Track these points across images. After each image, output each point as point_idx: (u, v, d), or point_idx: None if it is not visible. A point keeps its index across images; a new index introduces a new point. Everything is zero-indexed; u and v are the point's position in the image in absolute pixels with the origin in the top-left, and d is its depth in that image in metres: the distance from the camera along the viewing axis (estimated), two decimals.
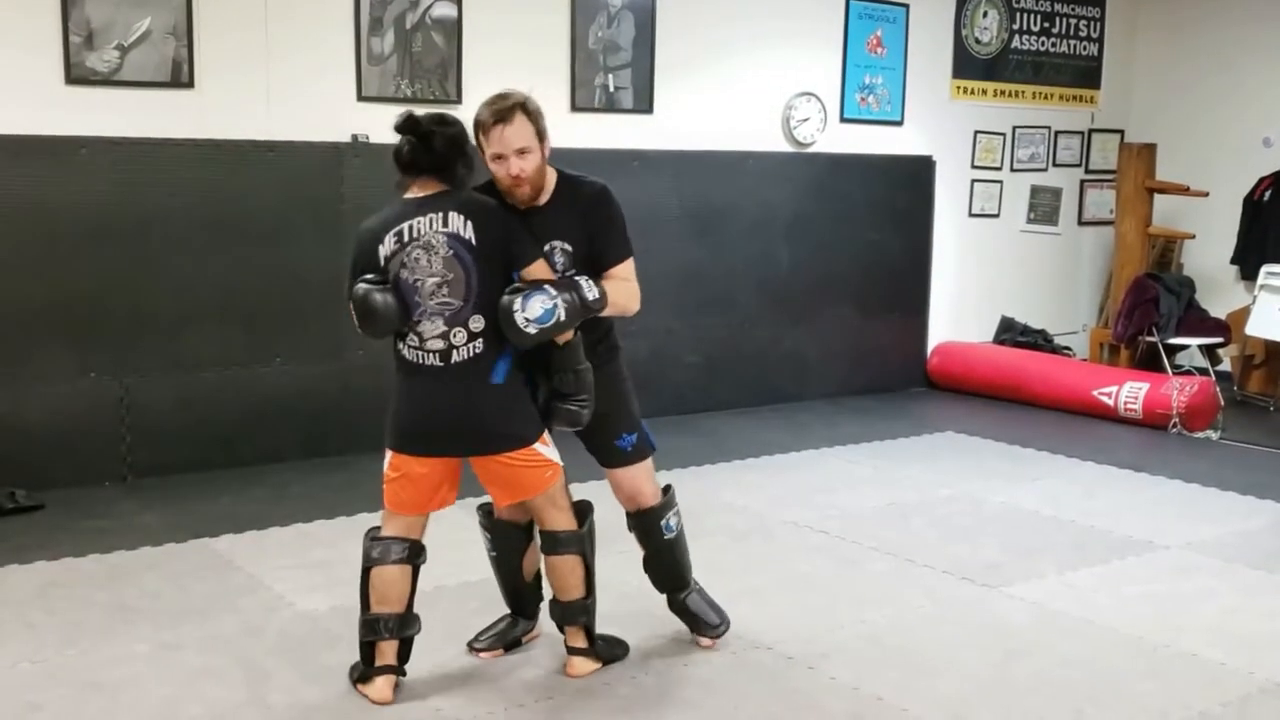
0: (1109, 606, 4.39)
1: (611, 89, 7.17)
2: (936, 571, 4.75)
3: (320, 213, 6.22)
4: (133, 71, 5.74)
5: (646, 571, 3.95)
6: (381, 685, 3.53)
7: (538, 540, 3.72)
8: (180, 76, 5.85)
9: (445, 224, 3.38)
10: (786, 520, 5.41)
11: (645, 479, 3.79)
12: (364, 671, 3.56)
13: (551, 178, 3.55)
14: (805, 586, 4.58)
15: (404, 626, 3.57)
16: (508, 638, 3.91)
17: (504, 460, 3.48)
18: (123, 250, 5.76)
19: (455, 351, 3.40)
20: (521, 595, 3.91)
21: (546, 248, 3.50)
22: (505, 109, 3.40)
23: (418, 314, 3.39)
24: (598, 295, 3.44)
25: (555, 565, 3.64)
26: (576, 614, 3.68)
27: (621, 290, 3.55)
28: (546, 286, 3.37)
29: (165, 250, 5.87)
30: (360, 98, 6.34)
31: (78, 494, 5.57)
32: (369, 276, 3.42)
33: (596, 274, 3.53)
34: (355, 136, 6.31)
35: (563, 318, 3.35)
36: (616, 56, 7.17)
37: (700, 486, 5.92)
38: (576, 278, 3.46)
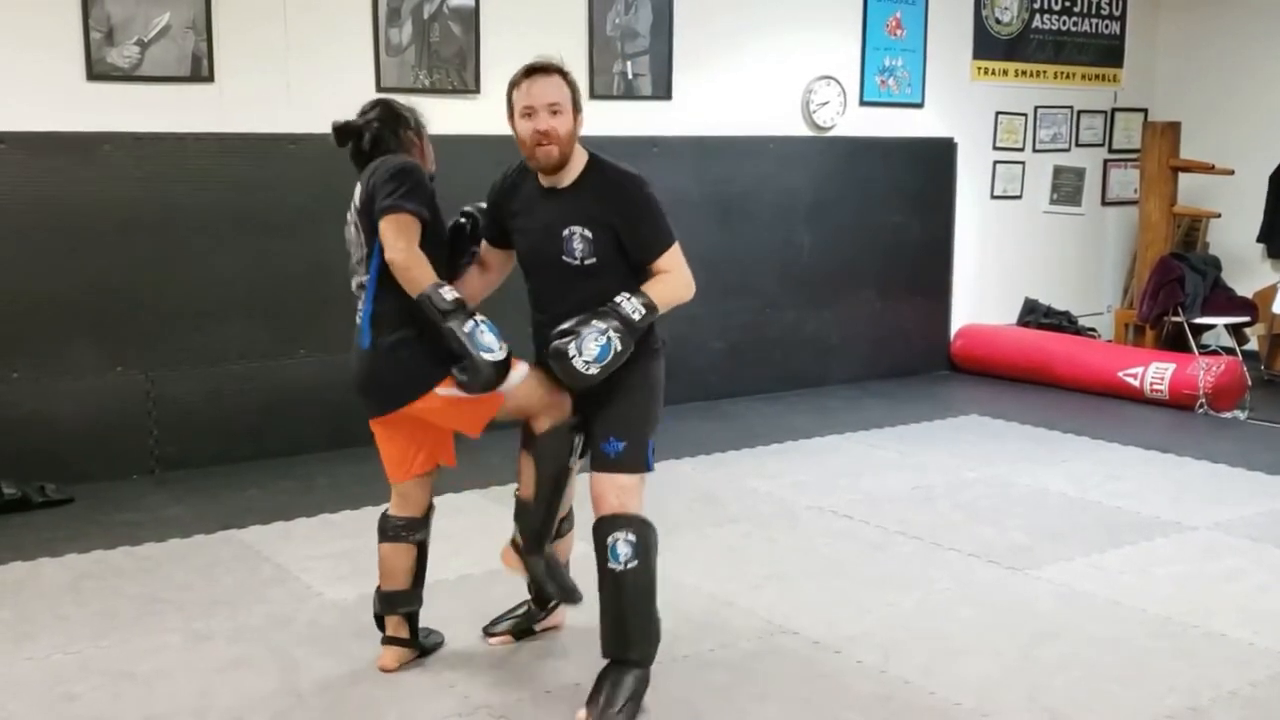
0: (1137, 588, 4.38)
1: (630, 76, 7.16)
2: (963, 554, 4.74)
3: (342, 204, 6.14)
4: (153, 67, 5.77)
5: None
6: (386, 654, 3.66)
7: (569, 535, 3.75)
8: (200, 71, 5.88)
9: (355, 196, 3.49)
10: (812, 505, 5.41)
11: (614, 491, 3.34)
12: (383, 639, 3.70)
13: (580, 160, 3.37)
14: (831, 571, 4.58)
15: (402, 602, 3.65)
16: (520, 627, 3.88)
17: (421, 412, 3.41)
18: (147, 245, 5.80)
19: (358, 314, 3.48)
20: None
21: (565, 232, 3.32)
22: (541, 65, 3.32)
23: (355, 285, 3.51)
24: (643, 312, 3.27)
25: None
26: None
27: (669, 286, 3.37)
28: (594, 321, 3.20)
29: (189, 244, 5.91)
30: (379, 89, 6.34)
31: (107, 487, 5.63)
32: None
33: (639, 267, 3.36)
34: None
35: (619, 347, 3.20)
36: (634, 43, 7.16)
37: (725, 472, 5.93)
38: (617, 301, 3.25)
